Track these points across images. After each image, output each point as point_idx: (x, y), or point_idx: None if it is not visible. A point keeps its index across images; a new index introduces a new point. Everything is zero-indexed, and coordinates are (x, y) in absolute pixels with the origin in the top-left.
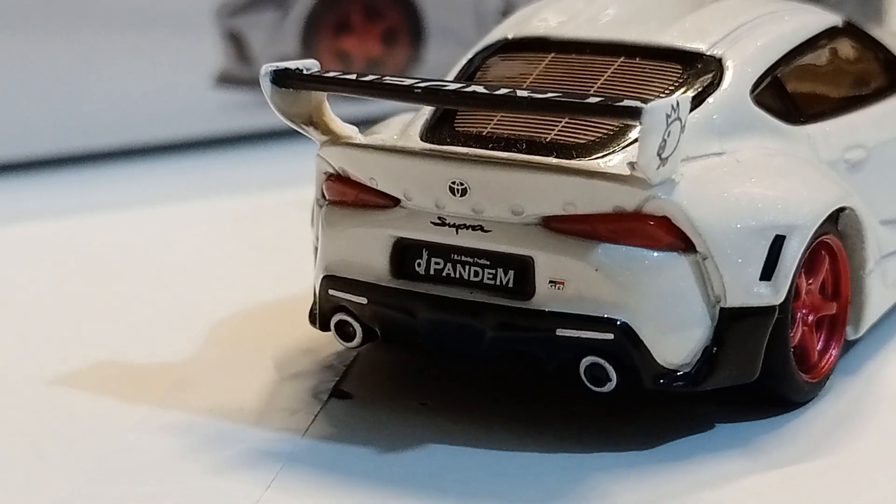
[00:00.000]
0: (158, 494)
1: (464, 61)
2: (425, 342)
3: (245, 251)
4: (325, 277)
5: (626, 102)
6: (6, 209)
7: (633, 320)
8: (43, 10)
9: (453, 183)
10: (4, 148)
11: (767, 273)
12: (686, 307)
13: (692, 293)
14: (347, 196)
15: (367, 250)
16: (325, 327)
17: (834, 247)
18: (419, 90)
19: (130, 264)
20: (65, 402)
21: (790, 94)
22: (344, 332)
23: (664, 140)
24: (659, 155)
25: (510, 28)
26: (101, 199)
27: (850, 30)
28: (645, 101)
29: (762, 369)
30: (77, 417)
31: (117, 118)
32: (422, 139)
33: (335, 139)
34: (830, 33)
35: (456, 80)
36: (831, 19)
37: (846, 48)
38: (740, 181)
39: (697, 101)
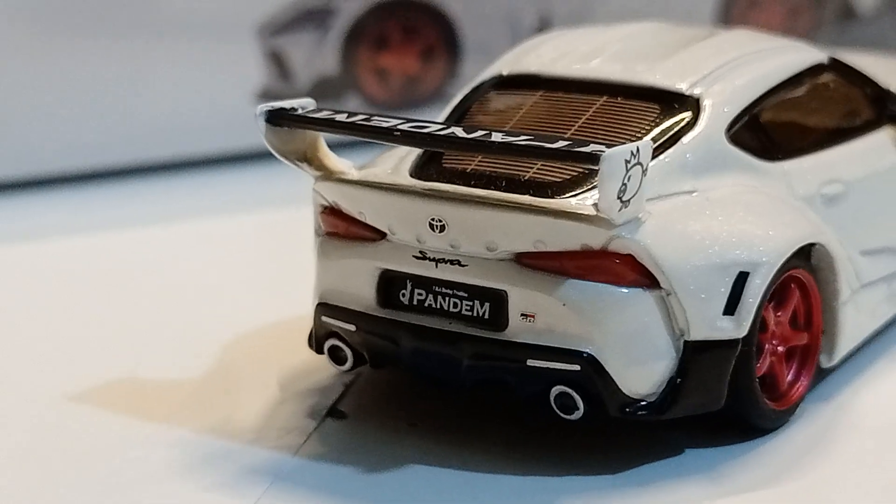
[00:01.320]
0: None
1: (461, 95)
2: (408, 368)
3: (271, 267)
4: (319, 304)
5: (586, 148)
6: (40, 223)
7: (599, 353)
8: (87, 26)
9: (433, 219)
10: (43, 162)
11: (730, 308)
12: (650, 340)
13: (656, 327)
14: (340, 228)
15: (357, 280)
16: (319, 351)
17: (804, 280)
18: (398, 132)
19: (157, 279)
20: (73, 418)
21: (769, 131)
22: (336, 356)
23: (624, 184)
24: (619, 198)
25: (506, 64)
26: (143, 212)
27: (835, 66)
28: (611, 144)
29: (729, 398)
30: (84, 433)
31: (161, 132)
32: (411, 175)
33: (328, 174)
34: (814, 71)
35: (451, 114)
36: (816, 56)
37: (831, 85)
38: (707, 219)
39: (672, 141)
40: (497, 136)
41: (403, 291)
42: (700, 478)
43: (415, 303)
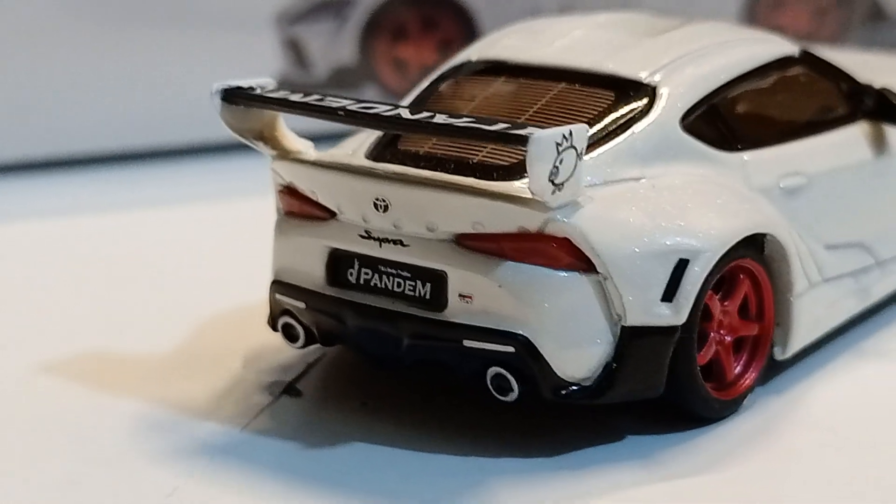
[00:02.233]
0: (82, 475)
1: (429, 80)
2: (353, 346)
3: (264, 251)
4: (273, 282)
5: (515, 130)
6: (61, 202)
7: (534, 335)
8: (101, 12)
9: (377, 199)
10: (60, 144)
11: (669, 295)
12: (586, 324)
13: (592, 311)
14: (295, 207)
15: (308, 259)
16: (275, 328)
17: (754, 271)
18: (341, 112)
19: (152, 259)
20: (35, 387)
21: (729, 121)
22: (289, 333)
23: (556, 167)
24: (552, 181)
25: (476, 50)
26: (155, 194)
27: (806, 59)
28: (545, 127)
29: (670, 386)
30: (43, 402)
31: (179, 118)
32: (366, 156)
33: (283, 154)
34: (783, 63)
35: (417, 97)
36: (786, 49)
37: (800, 78)
38: (650, 206)
39: (624, 128)
40: (439, 119)
41: (351, 270)
42: (634, 463)
43: (361, 282)
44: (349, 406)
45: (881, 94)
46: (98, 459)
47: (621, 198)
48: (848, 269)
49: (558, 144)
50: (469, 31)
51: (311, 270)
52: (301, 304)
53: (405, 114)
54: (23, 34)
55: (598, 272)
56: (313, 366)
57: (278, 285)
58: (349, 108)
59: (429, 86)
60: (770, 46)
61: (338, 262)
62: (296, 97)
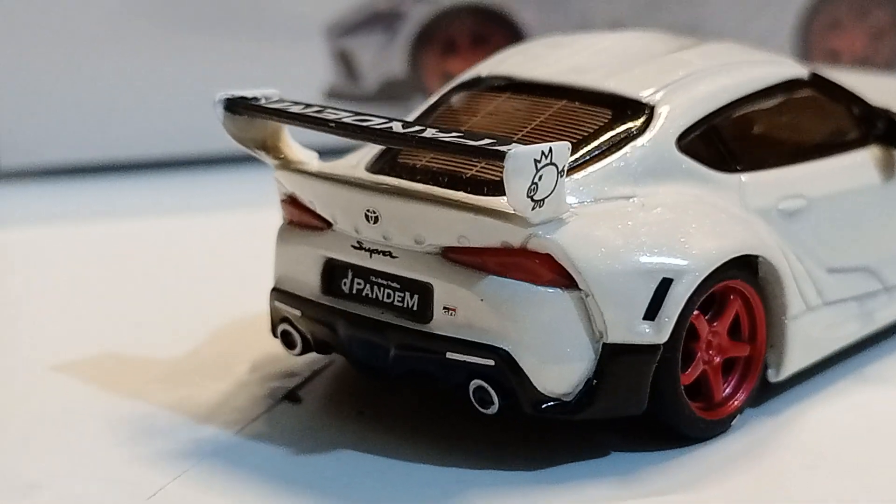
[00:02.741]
0: (68, 475)
1: (438, 94)
2: (345, 355)
3: None
4: (273, 289)
5: (494, 146)
6: (93, 207)
7: (514, 349)
8: (154, 19)
9: (368, 210)
10: (113, 149)
11: (651, 314)
12: (567, 340)
13: (574, 327)
14: (295, 217)
15: (305, 267)
16: (275, 335)
17: (745, 293)
18: (332, 124)
19: (178, 265)
20: (43, 386)
21: (728, 142)
22: (287, 340)
23: (535, 183)
24: (531, 197)
25: (487, 65)
26: (197, 201)
27: (816, 82)
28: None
29: (654, 404)
30: (46, 400)
31: None
32: (366, 168)
33: (285, 164)
34: (790, 85)
35: (424, 111)
36: (794, 71)
37: (808, 100)
38: (636, 225)
39: (618, 147)
40: (423, 132)
41: (345, 280)
42: (612, 480)
43: (354, 292)
44: (346, 414)
45: (892, 119)
46: (87, 458)
47: (608, 216)
48: (852, 294)
49: (537, 161)
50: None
51: (308, 279)
52: (297, 312)
53: (394, 127)
54: (77, 41)
55: (579, 289)
56: (319, 373)
57: (278, 293)
58: (342, 120)
59: (438, 99)
60: (777, 68)
61: (333, 272)
62: (296, 108)
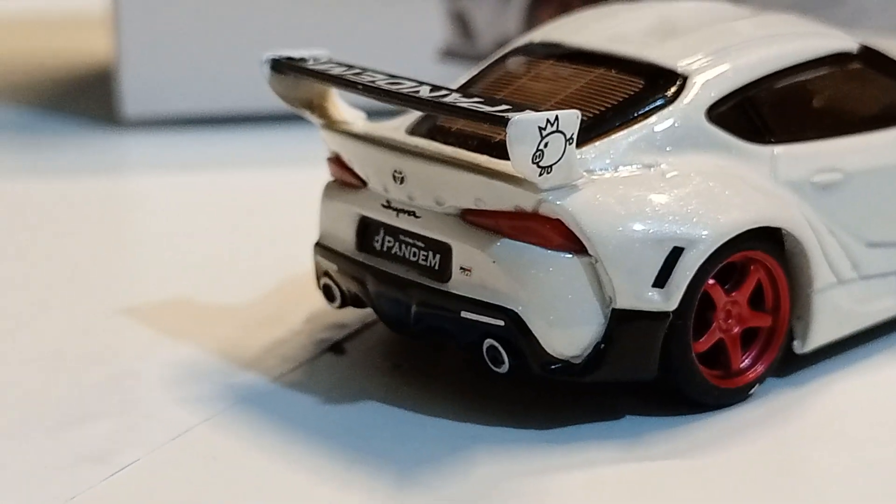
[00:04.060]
0: (105, 412)
1: (493, 58)
2: (374, 309)
3: None
4: (316, 244)
5: (499, 112)
6: (215, 158)
7: (524, 311)
8: None
9: (395, 171)
10: (235, 101)
11: (661, 281)
12: (576, 304)
13: (583, 292)
14: (337, 175)
15: (343, 224)
16: (319, 288)
17: (768, 264)
18: (360, 86)
19: (277, 215)
20: (103, 328)
21: (764, 114)
22: (328, 293)
23: (540, 150)
24: (537, 164)
25: (541, 32)
26: (297, 154)
27: (866, 55)
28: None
29: (666, 371)
30: (104, 342)
31: None
32: (406, 130)
33: (329, 124)
34: (837, 59)
35: (475, 74)
36: (843, 44)
37: (856, 74)
38: (653, 193)
39: (646, 116)
40: (449, 97)
41: (377, 238)
42: (620, 442)
43: (384, 249)
44: (383, 367)
45: None
46: (129, 395)
47: (624, 184)
48: (894, 268)
49: (541, 128)
50: None
51: (344, 235)
52: (335, 267)
53: (421, 92)
54: None
55: (589, 254)
56: (370, 326)
57: (320, 248)
58: (374, 83)
59: (491, 63)
60: (825, 41)
61: (366, 229)
62: (338, 70)
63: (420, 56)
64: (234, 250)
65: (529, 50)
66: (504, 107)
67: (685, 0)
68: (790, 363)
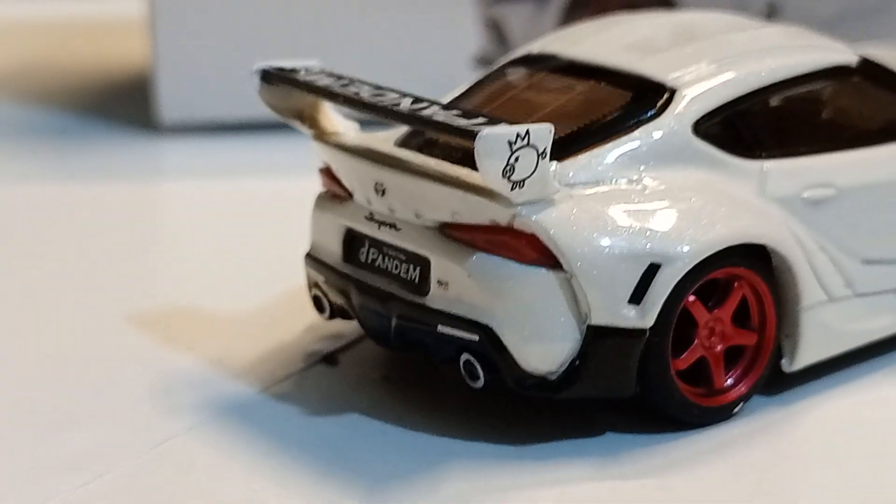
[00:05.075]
0: (89, 417)
1: (492, 68)
2: (359, 322)
3: None
4: (307, 255)
5: (468, 127)
6: (246, 165)
7: (498, 326)
8: None
9: (377, 183)
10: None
11: (637, 297)
12: (550, 319)
13: (558, 307)
14: (327, 186)
15: (331, 235)
16: (310, 298)
17: (752, 281)
18: (342, 97)
19: (269, 223)
20: (106, 333)
21: (754, 128)
22: (318, 304)
23: (510, 165)
24: (508, 178)
25: (541, 42)
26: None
27: (865, 69)
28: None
29: (644, 388)
30: (103, 346)
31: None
32: (396, 142)
33: (319, 135)
34: (834, 72)
35: (471, 86)
36: (841, 58)
37: (854, 88)
38: (631, 208)
39: (630, 129)
40: (428, 110)
41: (362, 250)
42: (595, 459)
43: (369, 261)
44: (372, 378)
45: None
46: (115, 401)
47: (604, 198)
48: (891, 286)
49: (511, 142)
50: None
51: (331, 247)
52: (322, 278)
53: (402, 105)
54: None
55: (564, 270)
56: (365, 337)
57: (310, 259)
58: (355, 95)
59: (489, 74)
60: (822, 55)
61: (352, 241)
62: (325, 81)
63: (455, 63)
64: (255, 257)
65: (526, 61)
66: (479, 120)
67: (697, 11)
68: (779, 381)
